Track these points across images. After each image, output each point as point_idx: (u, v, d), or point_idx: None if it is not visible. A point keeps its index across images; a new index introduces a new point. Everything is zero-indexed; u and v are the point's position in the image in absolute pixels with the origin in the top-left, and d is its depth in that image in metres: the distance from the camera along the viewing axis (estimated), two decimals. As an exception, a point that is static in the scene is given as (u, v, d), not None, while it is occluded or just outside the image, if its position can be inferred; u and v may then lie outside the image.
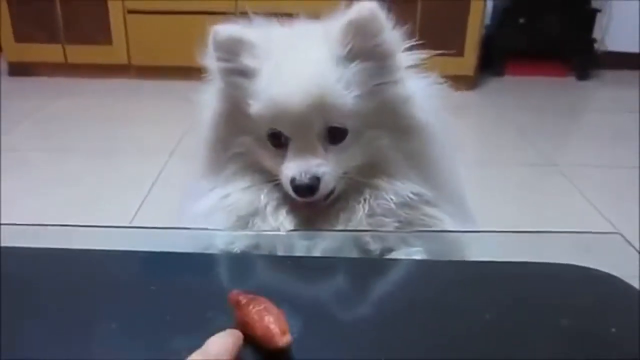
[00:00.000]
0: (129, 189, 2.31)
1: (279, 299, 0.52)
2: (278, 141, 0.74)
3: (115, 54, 3.58)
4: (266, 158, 0.76)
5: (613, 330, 0.54)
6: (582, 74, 3.99)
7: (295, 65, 0.72)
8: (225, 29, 0.74)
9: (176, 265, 0.65)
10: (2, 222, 0.69)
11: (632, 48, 4.07)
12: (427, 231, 0.72)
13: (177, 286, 0.59)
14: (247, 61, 0.73)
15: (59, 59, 3.58)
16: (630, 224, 2.13)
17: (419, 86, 0.76)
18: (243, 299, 0.49)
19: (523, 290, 0.62)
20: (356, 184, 0.75)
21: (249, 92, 0.73)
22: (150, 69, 3.59)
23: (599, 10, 3.92)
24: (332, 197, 0.75)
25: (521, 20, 3.93)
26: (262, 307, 0.48)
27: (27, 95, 3.39)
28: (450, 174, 0.81)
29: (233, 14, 3.10)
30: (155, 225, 0.75)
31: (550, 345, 0.52)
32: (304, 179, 0.71)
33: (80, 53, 3.59)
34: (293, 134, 0.73)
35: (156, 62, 3.58)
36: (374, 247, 0.73)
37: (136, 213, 2.11)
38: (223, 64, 0.75)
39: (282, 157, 0.74)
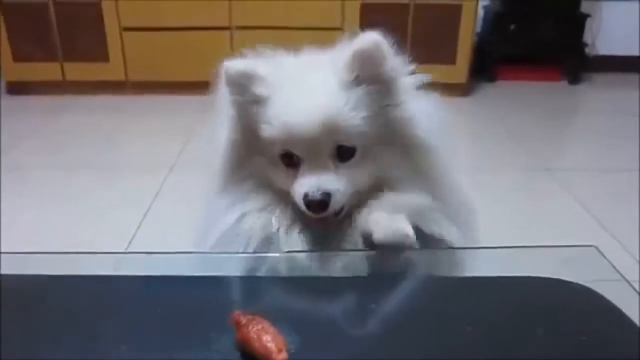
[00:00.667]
0: (129, 204, 2.33)
1: (278, 318, 0.56)
2: (290, 160, 0.79)
3: (112, 70, 3.62)
4: (279, 177, 0.81)
5: (583, 338, 0.58)
6: (574, 78, 4.03)
7: (305, 90, 0.77)
8: (235, 64, 0.79)
9: (180, 288, 0.69)
10: (2, 250, 0.72)
11: (623, 51, 4.12)
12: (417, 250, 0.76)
13: (182, 308, 0.63)
14: (258, 91, 0.78)
15: (57, 76, 3.62)
16: (623, 227, 2.17)
17: (420, 106, 0.81)
18: (243, 319, 0.54)
19: (500, 304, 0.66)
20: (365, 200, 0.80)
21: (261, 118, 0.78)
22: (147, 84, 3.64)
23: (588, 15, 3.96)
24: (342, 213, 0.79)
25: (512, 26, 3.98)
26: (260, 327, 0.53)
27: (26, 113, 3.42)
28: (455, 186, 0.85)
29: (228, 28, 3.18)
30: (155, 250, 0.78)
31: (525, 355, 0.56)
32: (317, 195, 0.75)
33: (78, 70, 3.62)
34: (305, 154, 0.77)
35: (153, 78, 3.62)
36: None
37: (138, 228, 2.13)
38: (235, 97, 0.80)
39: (294, 176, 0.78)
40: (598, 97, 3.97)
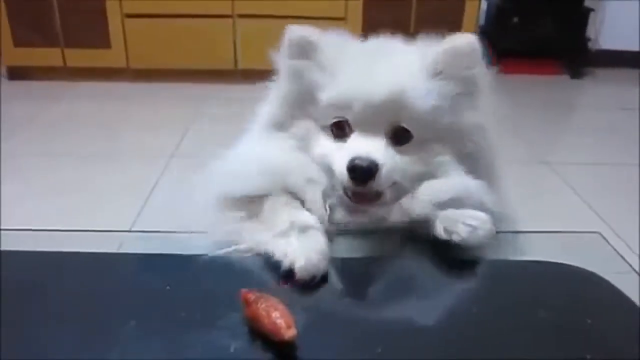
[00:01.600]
0: (129, 192, 2.33)
1: (286, 297, 0.56)
2: (341, 131, 0.75)
3: (113, 57, 3.60)
4: (323, 147, 0.76)
5: (588, 321, 0.58)
6: (576, 73, 4.03)
7: (380, 64, 0.75)
8: (299, 30, 0.77)
9: (188, 266, 0.69)
10: (3, 227, 0.72)
11: (626, 46, 4.10)
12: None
13: (190, 286, 0.63)
14: (319, 58, 0.75)
15: (58, 62, 3.61)
16: (622, 221, 2.18)
17: (490, 119, 0.79)
18: (252, 297, 0.54)
19: (506, 287, 0.66)
20: (404, 192, 0.75)
21: (322, 81, 0.75)
22: (148, 72, 3.62)
23: (592, 9, 3.95)
24: (381, 200, 0.74)
25: (515, 20, 3.96)
26: (269, 303, 0.53)
27: (27, 99, 3.41)
28: (500, 195, 0.81)
29: (230, 16, 3.17)
30: (158, 229, 0.78)
31: (529, 336, 0.57)
32: (364, 161, 0.69)
33: (79, 57, 3.61)
34: (360, 123, 0.73)
35: (154, 65, 3.61)
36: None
37: (137, 217, 2.13)
38: (295, 61, 0.77)
39: (341, 148, 0.74)
40: (599, 92, 3.96)
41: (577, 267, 0.67)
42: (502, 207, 0.78)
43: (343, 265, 0.69)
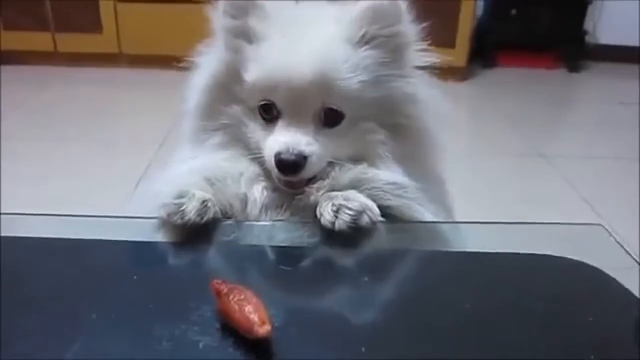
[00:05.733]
0: (118, 179, 2.30)
1: (261, 288, 0.52)
2: (269, 114, 0.72)
3: (105, 42, 3.55)
4: (253, 131, 0.74)
5: (590, 319, 0.55)
6: (573, 66, 4.00)
7: (304, 37, 0.70)
8: None
9: (157, 254, 0.65)
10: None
11: (623, 41, 4.08)
12: (412, 222, 0.72)
13: (162, 275, 0.59)
14: (255, 24, 0.71)
15: (49, 47, 3.55)
16: (617, 214, 2.16)
17: (425, 89, 0.75)
18: (224, 289, 0.50)
19: (504, 281, 0.62)
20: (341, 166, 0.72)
21: (249, 57, 0.71)
22: (141, 58, 3.56)
23: (590, 3, 3.92)
24: (314, 181, 0.72)
25: (513, 12, 3.94)
26: (242, 296, 0.49)
27: (16, 84, 3.35)
28: (437, 179, 0.79)
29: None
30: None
31: (527, 333, 0.53)
32: (290, 155, 0.68)
33: (70, 41, 3.55)
34: (287, 108, 0.70)
35: (147, 51, 3.55)
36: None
37: (126, 203, 2.10)
38: (230, 21, 0.73)
39: (271, 132, 0.71)
40: (596, 85, 3.95)
41: (578, 261, 0.63)
42: (436, 192, 0.76)
43: (325, 255, 0.67)
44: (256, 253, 0.67)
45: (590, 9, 3.94)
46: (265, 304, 0.49)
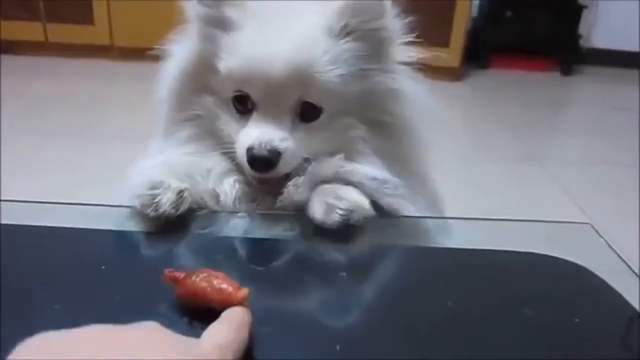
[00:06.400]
0: (109, 172, 2.26)
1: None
2: (243, 106, 0.69)
3: (97, 34, 3.51)
4: (227, 124, 0.70)
5: (577, 320, 0.53)
6: (567, 70, 4.01)
7: (282, 27, 0.67)
8: None
9: (132, 245, 0.63)
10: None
11: (618, 45, 4.09)
12: (399, 217, 0.70)
13: (130, 265, 0.57)
14: (231, 12, 0.68)
15: (39, 37, 3.51)
16: (610, 220, 2.15)
17: (410, 86, 0.72)
18: (179, 275, 0.48)
19: (489, 278, 0.61)
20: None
21: (223, 46, 0.68)
22: (133, 50, 3.53)
23: (585, 7, 3.93)
24: (288, 179, 0.69)
25: (508, 14, 3.94)
26: (205, 274, 0.47)
27: (7, 74, 3.31)
28: (421, 178, 0.77)
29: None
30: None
31: (512, 333, 0.52)
32: (263, 150, 0.65)
33: (61, 32, 3.51)
34: (262, 100, 0.67)
35: (139, 44, 3.51)
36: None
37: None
38: (204, 10, 0.69)
39: (244, 125, 0.68)
40: (589, 90, 3.96)
41: (565, 260, 0.62)
42: (421, 190, 0.74)
43: (292, 249, 0.65)
44: (230, 245, 0.65)
45: (585, 13, 3.95)
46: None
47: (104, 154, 2.45)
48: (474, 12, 3.86)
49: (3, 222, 0.62)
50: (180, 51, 0.74)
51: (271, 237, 0.66)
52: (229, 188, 0.70)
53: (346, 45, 0.66)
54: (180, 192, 0.66)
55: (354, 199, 0.66)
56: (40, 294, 0.51)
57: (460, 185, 2.35)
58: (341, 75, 0.66)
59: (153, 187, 0.65)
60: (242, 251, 0.66)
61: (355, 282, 0.59)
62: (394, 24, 0.69)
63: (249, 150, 0.65)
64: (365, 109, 0.70)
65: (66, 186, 2.13)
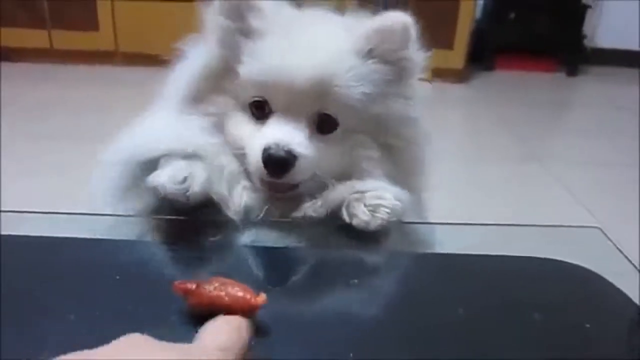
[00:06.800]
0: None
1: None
2: (261, 112, 0.68)
3: (101, 40, 3.53)
4: (240, 127, 0.70)
5: (587, 325, 0.53)
6: (571, 70, 4.01)
7: (310, 38, 0.68)
8: None
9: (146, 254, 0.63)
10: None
11: (622, 45, 4.09)
12: (404, 223, 0.70)
13: (142, 275, 0.57)
14: (255, 21, 0.68)
15: (45, 44, 3.53)
16: (615, 220, 2.15)
17: (419, 110, 0.73)
18: (191, 285, 0.48)
19: (498, 284, 0.60)
20: (321, 186, 0.69)
21: (246, 52, 0.68)
22: (137, 56, 3.54)
23: (589, 7, 3.92)
24: (295, 191, 0.68)
25: (512, 15, 3.94)
26: (218, 283, 0.47)
27: (11, 81, 3.33)
28: (419, 203, 0.77)
29: None
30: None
31: (522, 339, 0.52)
32: (280, 151, 0.64)
33: (66, 39, 3.53)
34: (281, 107, 0.67)
35: (144, 50, 3.53)
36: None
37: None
38: (226, 22, 0.69)
39: (255, 132, 0.68)
40: (594, 90, 3.95)
41: (574, 264, 0.61)
42: (419, 208, 0.74)
43: (299, 257, 0.65)
44: (241, 253, 0.65)
45: (589, 13, 3.94)
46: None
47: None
48: (478, 13, 3.86)
49: (3, 232, 0.62)
50: (197, 54, 0.74)
51: (281, 246, 0.65)
52: (239, 193, 0.69)
53: (370, 67, 0.67)
54: (206, 179, 0.67)
55: (385, 197, 0.67)
56: (44, 304, 0.51)
57: (464, 186, 2.35)
58: (362, 94, 0.67)
59: (181, 182, 0.65)
60: (252, 259, 0.65)
61: (364, 288, 0.59)
62: (418, 55, 0.70)
63: (266, 150, 0.64)
64: (379, 131, 0.70)
65: (69, 190, 2.14)
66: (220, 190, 0.68)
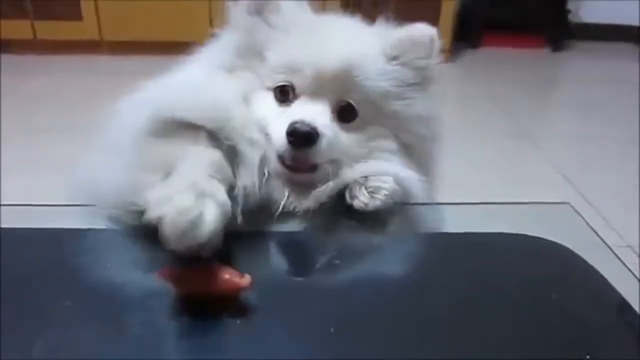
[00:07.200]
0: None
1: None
2: (285, 96, 0.72)
3: (85, 29, 3.49)
4: (264, 107, 0.71)
5: (555, 296, 0.56)
6: (557, 46, 4.02)
7: (339, 32, 0.74)
8: None
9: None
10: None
11: (606, 19, 4.10)
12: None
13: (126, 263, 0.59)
14: (276, 19, 0.72)
15: (28, 35, 3.49)
16: (599, 193, 2.19)
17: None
18: (176, 271, 0.50)
19: (473, 260, 0.63)
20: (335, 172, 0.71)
21: (274, 39, 0.72)
22: (123, 44, 3.52)
23: (573, -18, 3.93)
24: (312, 174, 0.69)
25: (496, -8, 3.93)
26: (202, 267, 0.50)
27: (-3, 74, 3.31)
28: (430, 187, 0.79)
29: (206, -12, 2.94)
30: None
31: (493, 312, 0.54)
32: (305, 126, 0.66)
33: (49, 29, 3.49)
34: (308, 92, 0.70)
35: (129, 38, 3.51)
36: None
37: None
38: (250, 18, 0.73)
39: (281, 114, 0.70)
40: (579, 65, 3.97)
41: (545, 240, 0.64)
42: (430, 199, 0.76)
43: (283, 240, 0.67)
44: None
45: (573, -13, 3.95)
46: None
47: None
48: (463, -9, 3.85)
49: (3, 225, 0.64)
50: (228, 37, 0.76)
51: (274, 231, 0.68)
52: (260, 184, 0.67)
53: (394, 68, 0.72)
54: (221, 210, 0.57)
55: (392, 182, 0.70)
56: (39, 295, 0.53)
57: (454, 162, 2.36)
58: (384, 90, 0.72)
59: (188, 215, 0.53)
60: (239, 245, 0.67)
61: (346, 268, 0.61)
62: (438, 68, 0.75)
63: (292, 124, 0.66)
64: (396, 127, 0.74)
65: (56, 181, 2.13)
66: (243, 180, 0.66)
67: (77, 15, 3.46)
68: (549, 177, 2.43)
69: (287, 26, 0.72)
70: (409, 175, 0.71)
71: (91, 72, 3.41)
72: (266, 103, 0.72)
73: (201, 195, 0.55)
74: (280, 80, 0.71)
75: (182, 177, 0.58)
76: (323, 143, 0.67)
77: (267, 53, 0.72)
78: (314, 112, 0.69)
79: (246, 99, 0.72)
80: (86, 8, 3.45)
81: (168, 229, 0.51)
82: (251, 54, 0.73)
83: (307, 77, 0.70)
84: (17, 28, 3.47)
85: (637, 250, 1.79)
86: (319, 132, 0.67)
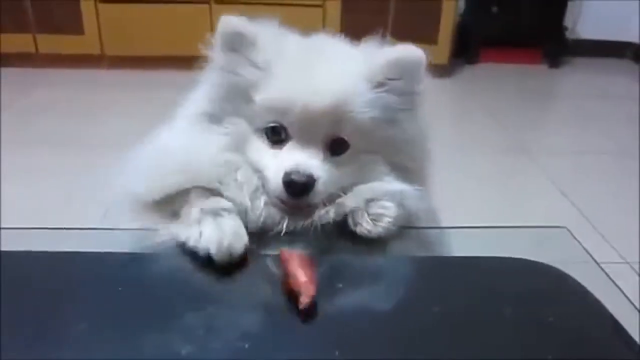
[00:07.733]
0: (101, 182, 2.28)
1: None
2: (276, 137, 0.71)
3: (87, 44, 3.52)
4: (256, 150, 0.72)
5: (550, 319, 0.57)
6: (554, 62, 4.05)
7: (324, 65, 0.71)
8: (232, 24, 0.71)
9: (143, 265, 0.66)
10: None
11: (602, 36, 4.14)
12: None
13: (143, 286, 0.60)
14: (255, 57, 0.70)
15: (30, 49, 3.51)
16: (598, 210, 2.20)
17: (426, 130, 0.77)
18: (286, 254, 0.59)
19: (470, 284, 0.65)
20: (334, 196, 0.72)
21: (259, 79, 0.70)
22: (123, 59, 3.55)
23: (570, -1, 3.97)
24: (311, 209, 0.70)
25: (494, 9, 3.97)
26: (297, 263, 0.58)
27: (-1, 87, 3.33)
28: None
29: (207, 2, 3.09)
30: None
31: (490, 335, 0.56)
32: (302, 176, 0.67)
33: (51, 43, 3.52)
34: (298, 132, 0.70)
35: (130, 52, 3.54)
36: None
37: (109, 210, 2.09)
38: (229, 56, 0.72)
39: (273, 156, 0.70)
40: (576, 80, 4.01)
41: (541, 263, 0.65)
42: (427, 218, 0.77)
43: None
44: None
45: (570, 5, 3.99)
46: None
47: (95, 163, 2.45)
48: (461, 8, 3.89)
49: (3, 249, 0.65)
50: (210, 79, 0.75)
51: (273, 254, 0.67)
52: (259, 207, 0.70)
53: (382, 95, 0.71)
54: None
55: (387, 206, 0.70)
56: (53, 317, 0.54)
57: (451, 177, 2.37)
58: (373, 119, 0.70)
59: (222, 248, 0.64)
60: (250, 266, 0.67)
61: (347, 291, 0.63)
62: (426, 88, 0.74)
63: (287, 174, 0.68)
64: (387, 151, 0.74)
65: (57, 195, 2.14)
66: (243, 200, 0.70)
67: (78, 30, 3.48)
68: (546, 191, 2.44)
69: (269, 63, 0.70)
70: (407, 189, 0.71)
71: (92, 86, 3.42)
72: (258, 145, 0.72)
73: (214, 214, 0.66)
74: (270, 121, 0.71)
75: (191, 211, 0.68)
76: (319, 186, 0.68)
77: (253, 93, 0.71)
78: (307, 157, 0.69)
79: (237, 147, 0.72)
80: (88, 22, 3.48)
81: (216, 253, 0.63)
82: (237, 95, 0.72)
83: (296, 117, 0.69)
84: (19, 42, 3.50)
85: (637, 267, 1.79)
86: (315, 177, 0.68)
